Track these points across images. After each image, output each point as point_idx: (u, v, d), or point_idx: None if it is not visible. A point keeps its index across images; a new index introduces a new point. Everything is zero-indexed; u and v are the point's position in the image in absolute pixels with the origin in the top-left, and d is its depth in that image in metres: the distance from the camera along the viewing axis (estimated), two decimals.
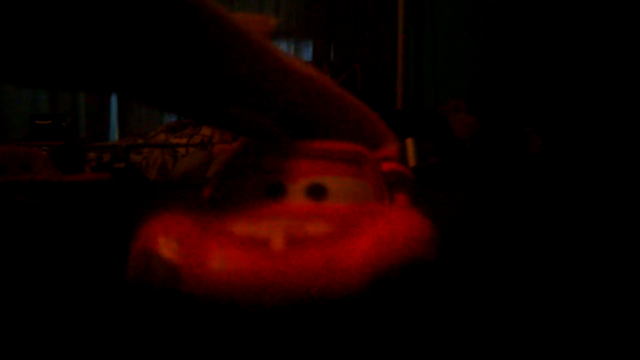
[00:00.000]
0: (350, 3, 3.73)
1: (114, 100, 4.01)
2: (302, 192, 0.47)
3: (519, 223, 1.01)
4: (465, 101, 3.05)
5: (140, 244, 0.38)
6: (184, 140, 2.88)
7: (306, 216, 0.43)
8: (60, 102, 3.92)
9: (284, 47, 3.94)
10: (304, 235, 0.39)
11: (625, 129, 2.59)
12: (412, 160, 1.38)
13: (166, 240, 0.38)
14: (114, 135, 3.99)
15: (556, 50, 3.08)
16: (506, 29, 3.26)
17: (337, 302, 0.35)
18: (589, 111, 2.82)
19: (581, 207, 1.38)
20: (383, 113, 1.64)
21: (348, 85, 3.20)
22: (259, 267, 0.35)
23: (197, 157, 2.67)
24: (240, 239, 0.39)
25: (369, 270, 0.36)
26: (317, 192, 0.46)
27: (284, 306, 0.34)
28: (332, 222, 0.41)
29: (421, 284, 0.39)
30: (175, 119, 3.74)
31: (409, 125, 1.45)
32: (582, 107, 2.86)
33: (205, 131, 3.00)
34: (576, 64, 3.00)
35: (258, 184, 0.47)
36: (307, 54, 3.90)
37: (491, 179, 2.02)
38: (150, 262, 0.37)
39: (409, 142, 1.43)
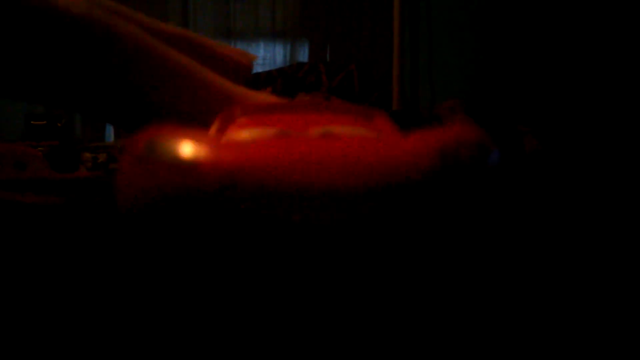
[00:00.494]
0: (346, 3, 3.73)
1: None
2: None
3: (513, 222, 1.01)
4: (461, 102, 3.05)
5: (135, 153, 0.30)
6: None
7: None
8: None
9: (280, 47, 3.95)
10: (340, 133, 0.35)
11: (622, 127, 2.60)
12: None
13: (174, 139, 0.29)
14: (110, 135, 3.98)
15: (552, 50, 3.08)
16: (502, 29, 3.26)
17: (409, 184, 0.29)
18: (586, 111, 2.83)
19: (577, 206, 1.38)
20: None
21: (344, 86, 3.20)
22: (300, 151, 0.28)
23: None
24: (265, 133, 0.34)
25: (441, 150, 0.32)
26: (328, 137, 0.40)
27: (340, 193, 0.27)
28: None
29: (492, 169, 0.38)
30: None
31: (405, 125, 1.45)
32: (579, 107, 2.87)
33: None
34: (573, 64, 3.00)
35: (265, 134, 0.38)
36: (303, 54, 3.90)
37: (486, 179, 2.01)
38: (155, 167, 0.28)
39: None
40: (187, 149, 0.28)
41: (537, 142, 2.91)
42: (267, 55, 3.97)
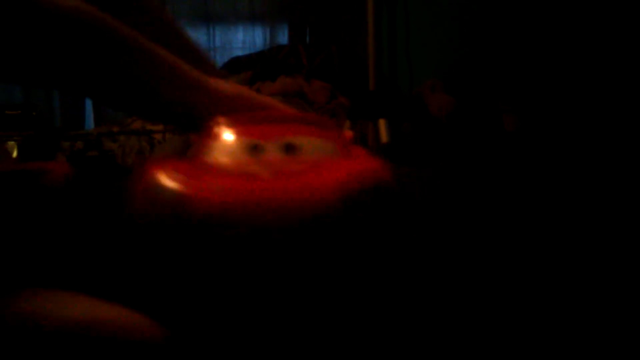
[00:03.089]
0: None
1: None
2: (278, 149, 0.55)
3: (492, 201, 1.03)
4: (441, 81, 3.06)
5: (144, 182, 0.45)
6: (160, 127, 2.86)
7: (284, 163, 0.52)
8: (34, 91, 3.86)
9: (259, 31, 3.93)
10: (286, 171, 0.48)
11: (603, 106, 2.62)
12: (384, 138, 1.39)
13: (172, 174, 0.45)
14: (90, 123, 3.95)
15: (531, 27, 3.09)
16: (481, 6, 3.26)
17: (318, 217, 0.41)
18: (566, 88, 2.85)
19: (556, 185, 1.40)
20: (357, 94, 1.65)
21: (325, 67, 3.19)
22: (253, 190, 0.43)
23: (174, 143, 2.66)
24: (234, 173, 0.48)
25: (341, 191, 0.43)
26: (290, 149, 0.54)
27: (274, 223, 0.41)
28: (305, 165, 0.49)
29: (384, 206, 0.47)
30: None
31: (382, 106, 1.46)
32: (559, 84, 2.89)
33: None
34: (552, 41, 3.02)
35: (240, 144, 0.55)
36: (283, 37, 3.88)
37: (466, 157, 2.04)
38: (156, 195, 0.43)
39: (382, 122, 1.44)
40: (173, 187, 0.43)
41: (517, 118, 2.92)
42: (246, 39, 3.95)
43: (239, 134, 0.56)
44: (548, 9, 3.06)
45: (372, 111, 1.47)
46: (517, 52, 3.12)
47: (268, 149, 0.55)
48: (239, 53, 3.70)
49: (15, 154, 1.42)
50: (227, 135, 0.56)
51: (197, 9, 3.90)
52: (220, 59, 3.78)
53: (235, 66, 3.32)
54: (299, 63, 3.22)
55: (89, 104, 3.97)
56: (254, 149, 0.55)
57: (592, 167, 1.81)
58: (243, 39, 3.95)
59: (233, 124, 0.58)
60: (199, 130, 0.60)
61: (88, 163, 1.51)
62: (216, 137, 0.56)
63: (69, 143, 1.74)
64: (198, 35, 3.91)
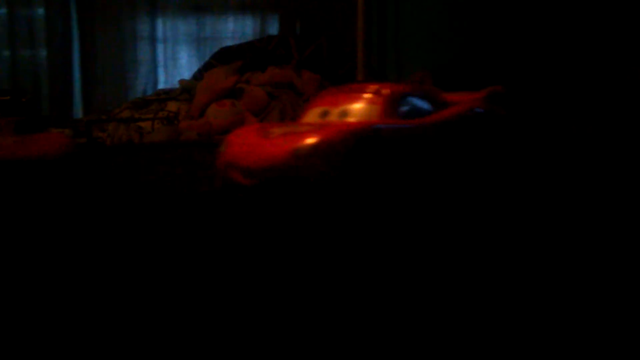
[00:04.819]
0: None
1: (77, 77, 3.94)
2: (337, 114, 1.03)
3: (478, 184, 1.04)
4: (430, 73, 3.06)
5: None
6: (149, 117, 2.86)
7: (312, 125, 1.03)
8: (22, 79, 3.84)
9: (250, 21, 3.92)
10: (294, 132, 0.99)
11: (591, 96, 2.64)
12: None
13: (224, 142, 1.11)
14: (79, 112, 3.93)
15: (519, 21, 3.10)
16: (470, 1, 3.27)
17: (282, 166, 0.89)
18: (553, 80, 2.86)
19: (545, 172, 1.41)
20: (345, 84, 1.66)
21: (314, 58, 3.20)
22: (253, 145, 1.02)
23: (163, 133, 2.66)
24: (263, 134, 1.04)
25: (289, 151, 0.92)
26: (343, 114, 1.01)
27: (261, 167, 0.94)
28: (316, 127, 0.98)
29: (324, 169, 0.80)
30: (139, 95, 3.71)
31: None
32: (545, 78, 2.90)
33: (171, 107, 2.98)
34: (540, 34, 3.03)
35: (320, 110, 1.14)
36: (273, 27, 3.87)
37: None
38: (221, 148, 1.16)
39: None
40: (224, 144, 1.17)
41: (503, 109, 2.93)
42: (236, 29, 3.93)
43: (320, 102, 1.02)
44: (537, 4, 3.07)
45: None
46: (506, 46, 3.14)
47: (332, 114, 0.96)
48: (229, 43, 3.69)
49: None
50: (315, 103, 1.05)
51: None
52: (210, 49, 3.77)
53: (225, 56, 3.31)
54: (288, 54, 3.22)
55: (77, 92, 3.95)
56: (324, 114, 0.97)
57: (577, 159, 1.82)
58: (233, 29, 3.93)
59: (323, 95, 1.04)
60: None
61: (80, 149, 1.51)
62: (310, 103, 1.04)
63: (59, 130, 1.74)
64: (188, 26, 3.89)
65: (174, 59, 3.91)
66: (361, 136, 0.68)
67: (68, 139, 0.98)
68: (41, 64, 3.90)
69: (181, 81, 3.31)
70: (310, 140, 0.64)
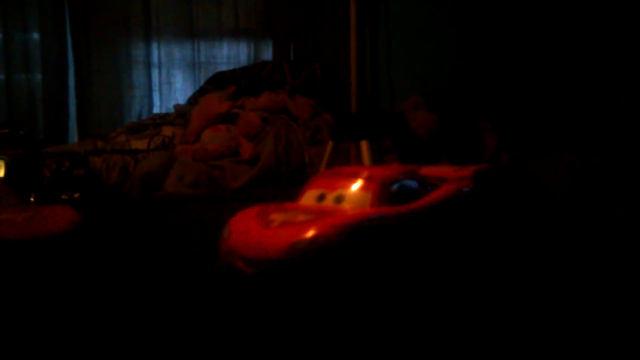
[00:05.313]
0: (309, 2, 3.75)
1: (72, 101, 3.95)
2: (332, 199, 0.89)
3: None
4: (423, 99, 3.10)
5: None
6: (145, 141, 2.87)
7: (310, 212, 0.87)
8: (16, 104, 3.86)
9: (244, 46, 3.95)
10: (292, 221, 0.83)
11: (578, 124, 2.67)
12: (366, 160, 1.39)
13: (226, 227, 0.88)
14: (74, 137, 3.94)
15: (511, 49, 3.15)
16: (461, 28, 3.32)
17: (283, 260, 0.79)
18: (545, 108, 2.90)
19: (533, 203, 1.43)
20: (339, 114, 1.67)
21: (308, 84, 3.22)
22: (254, 235, 0.84)
23: (158, 158, 2.67)
24: (263, 222, 0.85)
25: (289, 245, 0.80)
26: (338, 199, 0.89)
27: (263, 258, 0.80)
28: (313, 216, 0.84)
29: (318, 263, 0.77)
30: (135, 120, 3.72)
31: (365, 126, 1.48)
32: (539, 105, 2.94)
33: (166, 131, 2.99)
34: (532, 62, 3.08)
35: (317, 193, 0.93)
36: (267, 52, 3.91)
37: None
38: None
39: (364, 145, 1.45)
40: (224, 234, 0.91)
41: (497, 137, 2.96)
42: (231, 54, 3.97)
43: (317, 184, 0.93)
44: (525, 29, 3.12)
45: (354, 132, 1.49)
46: (499, 72, 3.18)
47: (327, 198, 0.90)
48: (224, 68, 3.72)
49: (2, 173, 1.43)
50: (312, 184, 0.95)
51: (182, 24, 3.92)
52: (204, 74, 3.80)
53: (220, 81, 3.34)
54: (283, 79, 3.25)
55: (72, 118, 3.96)
56: (320, 197, 0.91)
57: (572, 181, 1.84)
58: (228, 54, 3.97)
59: (319, 177, 0.96)
60: None
61: (74, 182, 1.51)
62: (308, 184, 0.95)
63: (53, 160, 1.74)
64: (183, 50, 3.93)
65: (169, 83, 3.93)
66: (355, 229, 0.73)
67: (76, 215, 0.98)
68: (36, 88, 3.91)
69: (176, 106, 3.33)
70: (307, 234, 0.70)
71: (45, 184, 1.48)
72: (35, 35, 3.90)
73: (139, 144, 2.80)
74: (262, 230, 0.84)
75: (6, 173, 1.37)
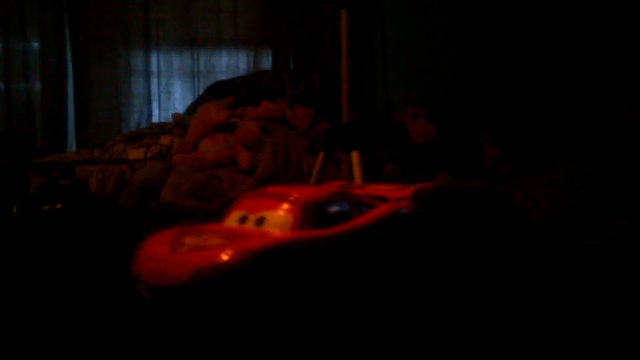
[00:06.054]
0: (309, 12, 3.75)
1: (70, 108, 3.95)
2: (253, 221, 0.84)
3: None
4: (423, 109, 3.09)
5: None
6: (142, 150, 2.86)
7: (224, 236, 0.81)
8: (16, 112, 3.86)
9: (243, 55, 3.95)
10: (202, 246, 0.78)
11: (581, 131, 2.65)
12: (357, 178, 1.34)
13: (137, 249, 0.81)
14: (72, 144, 3.94)
15: (510, 57, 3.14)
16: (459, 36, 3.31)
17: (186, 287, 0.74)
18: (546, 117, 2.88)
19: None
20: (330, 126, 1.66)
21: (307, 93, 3.21)
22: (159, 260, 0.77)
23: (155, 167, 2.65)
24: (173, 246, 0.80)
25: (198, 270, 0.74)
26: (260, 222, 0.84)
27: (163, 285, 0.75)
28: (227, 239, 0.79)
29: (222, 291, 0.73)
30: (133, 129, 3.72)
31: (356, 137, 1.46)
32: (539, 114, 2.92)
33: (164, 140, 2.98)
34: (532, 71, 3.06)
35: (240, 214, 0.88)
36: (267, 62, 3.91)
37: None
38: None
39: (355, 156, 1.41)
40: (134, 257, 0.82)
41: (497, 147, 2.94)
42: (230, 63, 3.97)
43: (241, 206, 0.89)
44: (523, 37, 3.11)
45: (345, 143, 1.46)
46: (497, 80, 3.17)
47: (249, 220, 0.85)
48: (223, 77, 3.72)
49: None
50: (237, 205, 0.89)
51: (182, 34, 3.92)
52: (204, 83, 3.80)
53: (219, 90, 3.33)
54: (282, 89, 3.24)
55: (71, 126, 3.96)
56: (242, 219, 0.86)
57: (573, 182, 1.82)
58: (227, 64, 3.97)
59: (245, 198, 0.90)
60: None
61: (60, 192, 1.50)
62: (234, 205, 0.89)
63: (42, 170, 1.73)
64: (183, 60, 3.93)
65: (168, 92, 3.93)
66: (262, 255, 0.66)
67: None
68: (35, 96, 3.91)
69: (174, 115, 3.32)
70: (211, 261, 0.63)
71: (32, 195, 1.47)
72: (35, 45, 3.90)
73: (136, 153, 2.79)
74: (168, 256, 0.76)
75: None
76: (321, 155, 1.54)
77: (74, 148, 3.81)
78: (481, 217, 1.28)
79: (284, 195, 0.82)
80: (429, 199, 0.97)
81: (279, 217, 0.80)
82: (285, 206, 0.81)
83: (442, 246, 0.96)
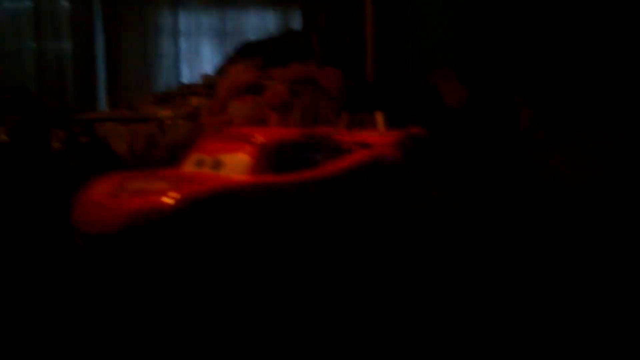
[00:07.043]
0: None
1: (101, 69, 3.97)
2: (210, 164, 0.99)
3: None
4: (454, 69, 3.01)
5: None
6: (171, 111, 2.86)
7: (171, 180, 0.98)
8: (47, 72, 3.88)
9: (272, 14, 3.90)
10: (143, 190, 0.91)
11: (616, 98, 2.58)
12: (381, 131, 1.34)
13: (79, 193, 1.05)
14: (103, 103, 3.96)
15: (545, 17, 3.04)
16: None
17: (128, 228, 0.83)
18: (580, 81, 2.80)
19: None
20: (354, 85, 1.63)
21: (337, 54, 3.17)
22: (97, 205, 0.98)
23: (184, 128, 2.66)
24: (116, 190, 0.95)
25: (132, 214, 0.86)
26: (216, 165, 0.97)
27: (100, 231, 0.91)
28: (170, 185, 0.94)
29: (155, 241, 0.75)
30: (162, 89, 3.72)
31: (380, 97, 1.43)
32: (573, 78, 2.84)
33: (194, 102, 2.98)
34: (567, 33, 2.97)
35: (197, 158, 1.09)
36: (296, 22, 3.85)
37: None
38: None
39: (378, 116, 1.39)
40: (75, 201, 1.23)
41: (532, 111, 2.88)
42: (259, 23, 3.92)
43: (199, 149, 0.93)
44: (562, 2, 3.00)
45: (369, 103, 1.44)
46: (532, 44, 3.07)
47: (205, 163, 0.88)
48: (252, 37, 3.68)
49: (5, 138, 1.43)
50: (196, 148, 0.96)
51: None
52: (232, 43, 3.77)
53: (247, 51, 3.30)
54: (310, 49, 3.20)
55: (101, 84, 3.98)
56: (199, 163, 0.91)
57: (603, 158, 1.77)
58: (256, 24, 3.92)
59: (204, 140, 0.75)
60: None
61: (81, 149, 1.51)
62: (194, 147, 0.74)
63: (61, 129, 1.73)
64: (211, 20, 3.90)
65: (197, 52, 3.92)
66: (200, 201, 0.58)
67: None
68: (66, 56, 3.93)
69: (203, 76, 3.31)
70: (144, 207, 0.56)
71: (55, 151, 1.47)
72: (66, 5, 3.90)
73: (166, 113, 2.79)
74: (106, 200, 0.66)
75: (9, 138, 1.36)
76: (345, 115, 1.51)
77: (105, 107, 3.83)
78: (487, 173, 1.21)
79: (244, 136, 0.71)
80: (420, 148, 0.87)
81: (236, 160, 0.71)
82: (244, 148, 0.71)
83: (437, 202, 0.88)
